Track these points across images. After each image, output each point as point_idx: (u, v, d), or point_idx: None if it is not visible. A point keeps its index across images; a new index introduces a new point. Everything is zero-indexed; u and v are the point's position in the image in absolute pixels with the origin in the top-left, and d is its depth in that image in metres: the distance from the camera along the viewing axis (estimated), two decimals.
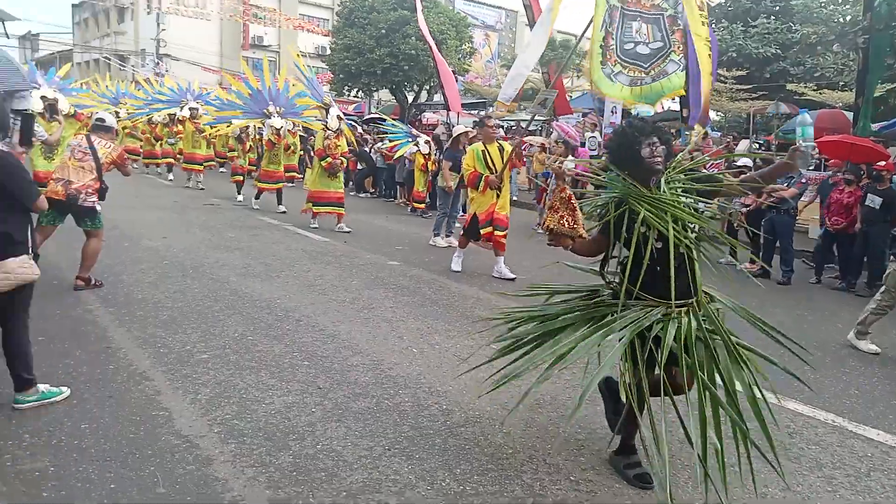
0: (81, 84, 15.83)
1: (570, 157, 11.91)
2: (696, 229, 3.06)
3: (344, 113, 14.69)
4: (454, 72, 25.99)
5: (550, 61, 21.25)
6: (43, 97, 8.66)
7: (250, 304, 5.61)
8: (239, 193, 12.84)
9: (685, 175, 3.11)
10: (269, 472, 2.97)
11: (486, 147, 7.28)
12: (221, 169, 18.49)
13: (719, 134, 21.24)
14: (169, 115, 15.82)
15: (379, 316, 5.55)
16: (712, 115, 24.87)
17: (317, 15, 41.95)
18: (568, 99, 23.66)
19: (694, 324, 2.90)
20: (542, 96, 7.20)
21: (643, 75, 8.14)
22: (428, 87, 27.19)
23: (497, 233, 7.23)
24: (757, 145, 16.18)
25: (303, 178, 13.99)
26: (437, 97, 25.70)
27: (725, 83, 19.21)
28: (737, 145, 15.60)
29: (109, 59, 38.99)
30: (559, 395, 4.13)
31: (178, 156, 15.82)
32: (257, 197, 11.65)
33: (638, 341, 2.89)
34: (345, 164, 10.53)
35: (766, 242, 8.70)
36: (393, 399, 3.87)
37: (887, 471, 3.39)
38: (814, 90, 18.52)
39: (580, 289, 3.42)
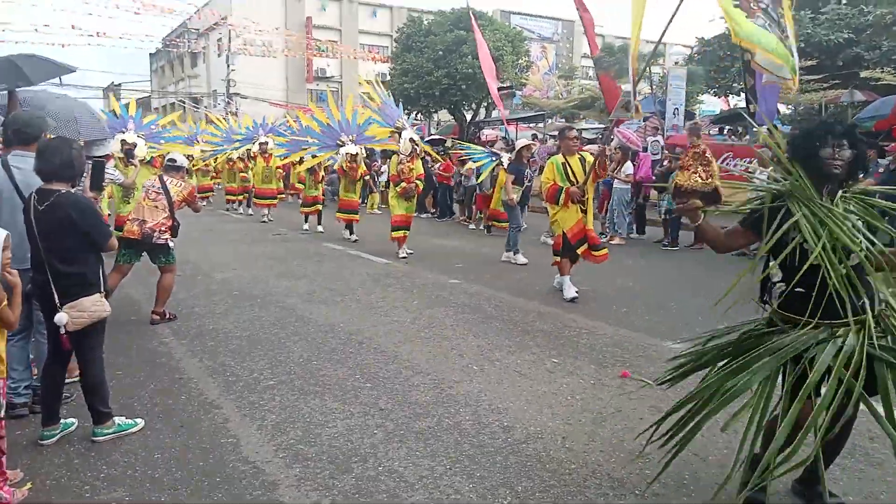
0: (165, 125, 16.76)
1: (629, 163, 11.71)
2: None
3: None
4: (510, 86, 26.09)
5: (610, 67, 20.94)
6: (122, 141, 9.23)
7: (315, 329, 5.76)
8: (306, 222, 13.05)
9: (862, 200, 2.72)
10: (332, 495, 3.03)
11: (566, 159, 6.92)
12: (292, 200, 19.03)
13: (788, 129, 20.40)
14: (245, 150, 16.26)
15: (440, 335, 5.59)
16: (781, 108, 23.94)
17: (377, 43, 43.02)
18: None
19: (861, 342, 2.51)
20: (624, 99, 7.11)
21: (779, 31, 7.42)
22: (486, 105, 27.34)
23: (594, 252, 6.90)
24: None
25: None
26: (496, 113, 25.77)
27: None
28: None
29: (184, 102, 41.15)
30: (623, 406, 4.03)
31: (251, 189, 16.19)
32: (348, 229, 11.53)
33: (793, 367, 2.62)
34: (421, 188, 10.21)
35: None
36: (454, 418, 3.87)
37: None
38: (892, 74, 17.52)
39: (738, 328, 3.07)
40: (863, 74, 18.42)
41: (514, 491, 3.05)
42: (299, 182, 14.60)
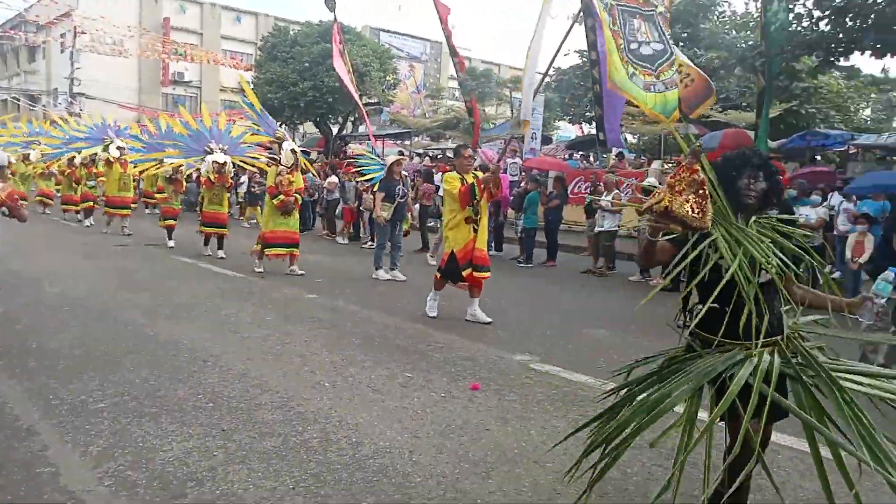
0: None
1: None
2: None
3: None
4: (377, 102, 26.23)
5: (473, 90, 21.65)
6: None
7: (156, 346, 5.39)
8: (170, 239, 11.69)
9: (771, 226, 2.83)
10: None
11: (463, 177, 6.68)
12: (148, 211, 17.59)
13: (633, 156, 22.12)
14: (89, 155, 14.60)
15: (293, 351, 5.44)
16: (628, 137, 25.92)
17: (240, 50, 41.55)
18: (488, 127, 24.20)
19: (777, 360, 2.65)
20: (517, 118, 7.18)
21: (654, 80, 8.14)
22: (353, 119, 27.27)
23: (476, 273, 6.65)
24: (668, 166, 16.84)
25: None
26: (362, 128, 25.76)
27: (638, 107, 20.02)
28: (649, 166, 16.26)
29: (19, 100, 37.40)
30: (471, 418, 4.13)
31: (98, 199, 14.60)
32: (206, 243, 10.74)
33: (712, 389, 2.70)
34: (299, 202, 9.72)
35: None
36: (301, 436, 3.77)
37: (777, 467, 3.53)
38: (719, 111, 19.53)
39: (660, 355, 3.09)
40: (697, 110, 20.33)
41: None
42: (158, 192, 13.39)
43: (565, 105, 25.93)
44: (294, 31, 26.62)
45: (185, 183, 12.51)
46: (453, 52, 15.07)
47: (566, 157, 22.37)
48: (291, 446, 3.63)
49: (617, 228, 10.48)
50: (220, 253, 10.45)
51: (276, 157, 10.12)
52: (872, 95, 28.24)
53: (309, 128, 30.98)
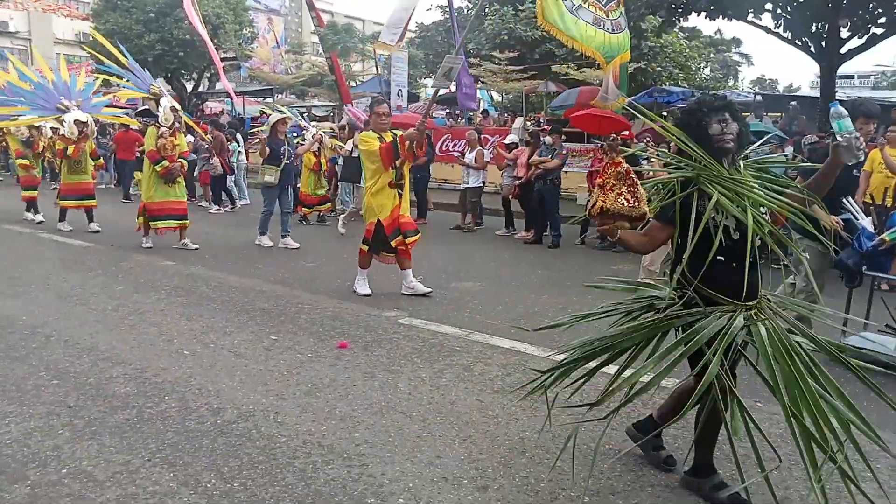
0: None
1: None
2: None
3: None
4: (234, 58, 24.85)
5: (334, 46, 21.05)
6: None
7: None
8: (34, 212, 10.15)
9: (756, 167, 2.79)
10: None
11: (380, 135, 5.96)
12: None
13: (497, 113, 22.62)
14: None
15: (146, 321, 5.15)
16: (494, 94, 26.43)
17: None
18: (354, 85, 23.75)
19: (780, 327, 2.60)
20: (446, 65, 5.90)
21: (603, 16, 7.23)
22: (209, 75, 25.71)
23: (409, 239, 6.14)
24: (530, 123, 17.41)
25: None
26: (220, 85, 24.37)
27: (500, 64, 20.41)
28: (513, 123, 16.69)
29: None
30: (338, 376, 4.13)
31: None
32: (62, 218, 9.46)
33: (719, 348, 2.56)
34: (185, 167, 8.67)
35: (536, 211, 9.46)
36: (157, 407, 3.61)
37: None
38: (575, 69, 20.35)
39: (623, 307, 3.00)
40: (554, 68, 21.06)
41: (219, 472, 2.95)
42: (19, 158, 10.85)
43: (430, 62, 25.93)
44: None
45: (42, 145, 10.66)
46: (311, 6, 14.57)
47: (433, 115, 22.43)
48: (147, 418, 3.47)
49: (482, 185, 10.72)
50: (94, 226, 9.26)
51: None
52: (711, 55, 30.61)
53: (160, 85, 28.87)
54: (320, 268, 7.45)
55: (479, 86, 21.96)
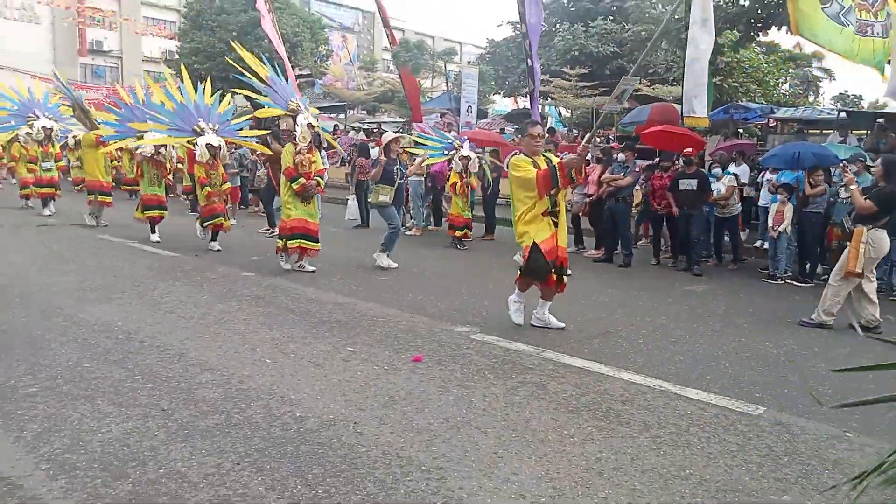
0: None
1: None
2: None
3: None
4: (309, 74, 25.66)
5: (406, 63, 21.48)
6: None
7: (86, 328, 5.23)
8: (153, 232, 9.81)
9: None
10: None
11: (534, 160, 5.58)
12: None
13: (566, 129, 22.49)
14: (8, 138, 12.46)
15: (231, 329, 5.38)
16: (562, 110, 26.32)
17: (162, 17, 39.71)
18: (424, 101, 24.12)
19: None
20: (620, 87, 5.75)
21: (872, 20, 6.38)
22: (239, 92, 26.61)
23: (565, 277, 5.71)
24: (600, 139, 17.24)
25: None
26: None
27: (570, 80, 20.34)
28: (582, 139, 16.55)
29: None
30: (413, 388, 4.21)
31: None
32: (214, 238, 9.20)
33: None
34: (322, 186, 8.38)
35: (608, 229, 9.36)
36: (244, 413, 3.77)
37: (703, 424, 3.78)
38: (647, 86, 20.07)
39: None
40: None
41: (304, 479, 3.06)
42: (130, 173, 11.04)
43: (500, 77, 26.07)
44: None
45: (168, 164, 10.51)
46: (385, 24, 14.93)
47: (500, 130, 22.54)
48: (235, 423, 3.63)
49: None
50: (215, 245, 9.14)
51: (280, 134, 8.98)
52: (791, 70, 29.57)
53: (240, 101, 30.04)
54: (394, 282, 7.59)
55: (548, 102, 21.91)
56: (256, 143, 10.33)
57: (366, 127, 24.46)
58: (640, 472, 3.20)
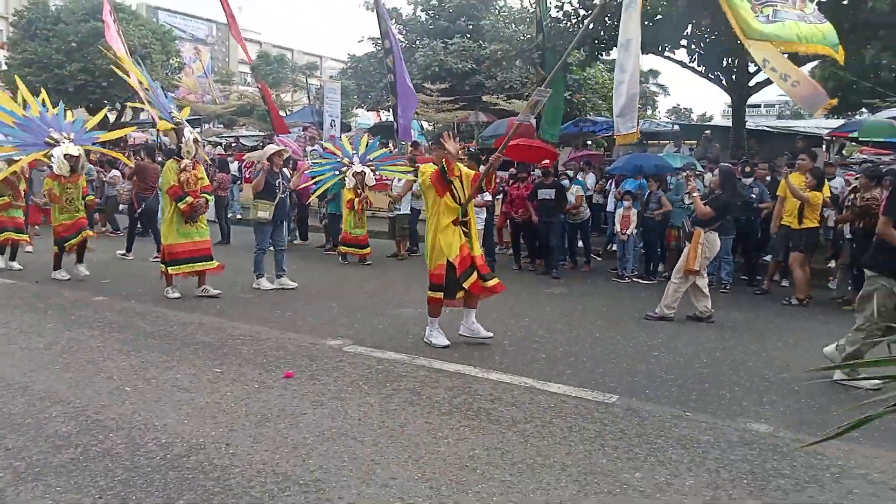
0: None
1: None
2: None
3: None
4: (162, 87, 24.38)
5: (266, 77, 21.02)
6: None
7: None
8: (11, 259, 9.08)
9: None
10: None
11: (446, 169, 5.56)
12: None
13: (428, 143, 22.98)
14: None
15: (82, 358, 5.02)
16: (423, 124, 26.86)
17: None
18: (285, 115, 23.71)
19: None
20: (534, 98, 5.76)
21: (801, 12, 6.57)
22: (133, 106, 25.05)
23: (488, 283, 5.65)
24: (462, 152, 17.82)
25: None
26: (144, 115, 23.79)
27: (431, 95, 20.86)
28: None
29: None
30: (286, 405, 4.16)
31: None
32: (57, 266, 8.35)
33: None
34: (208, 204, 7.80)
35: None
36: (102, 444, 3.55)
37: (564, 415, 4.06)
38: (504, 100, 21.02)
39: None
40: (485, 98, 21.70)
41: None
42: None
43: (362, 92, 26.18)
44: (55, 7, 23.72)
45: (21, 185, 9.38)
46: (237, 38, 14.57)
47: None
48: (93, 456, 3.41)
49: (412, 212, 10.87)
50: (82, 268, 8.38)
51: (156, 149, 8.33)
52: None
53: (81, 115, 27.90)
54: (260, 299, 7.41)
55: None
56: (116, 151, 9.64)
57: (223, 141, 23.60)
58: (510, 465, 3.39)
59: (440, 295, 5.59)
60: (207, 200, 7.68)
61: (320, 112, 20.35)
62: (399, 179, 10.86)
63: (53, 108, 8.27)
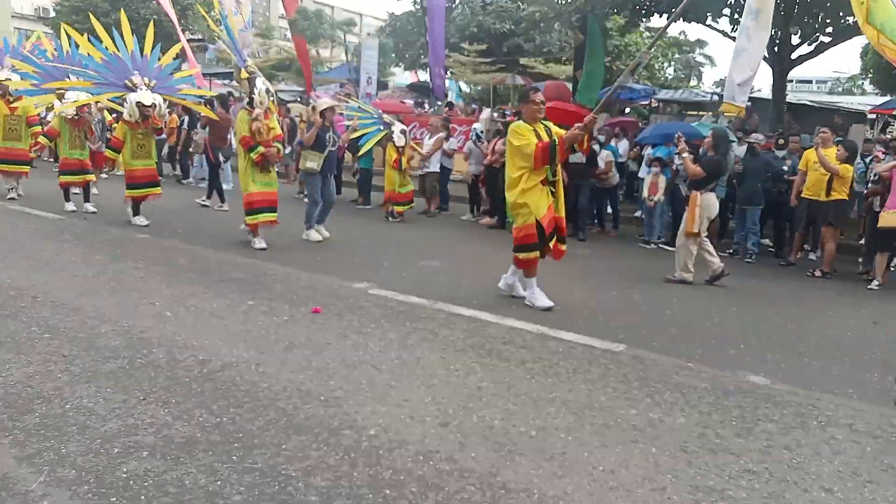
0: None
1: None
2: None
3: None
4: (202, 39, 24.70)
5: (303, 32, 21.13)
6: None
7: None
8: (68, 200, 9.12)
9: None
10: (13, 435, 2.93)
11: (534, 128, 5.49)
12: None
13: (465, 103, 22.96)
14: None
15: (128, 286, 5.42)
16: (462, 85, 26.78)
17: None
18: (323, 70, 23.82)
19: None
20: (636, 61, 5.77)
21: None
22: (175, 57, 25.48)
23: (561, 246, 5.71)
24: (496, 114, 17.83)
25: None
26: (185, 66, 24.16)
27: (468, 56, 20.78)
28: (481, 113, 17.07)
29: None
30: (313, 336, 4.49)
31: None
32: (135, 212, 8.37)
33: None
34: (281, 154, 7.91)
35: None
36: (146, 357, 3.92)
37: (571, 359, 4.31)
38: (542, 64, 20.86)
39: None
40: (522, 61, 21.52)
41: (209, 409, 3.29)
42: (44, 136, 9.50)
43: (400, 50, 26.16)
44: None
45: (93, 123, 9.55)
46: None
47: (401, 101, 22.72)
48: (138, 366, 3.78)
49: (441, 170, 11.06)
50: (89, 206, 8.64)
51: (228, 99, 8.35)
52: (677, 56, 31.46)
53: None
54: (293, 244, 7.75)
55: (447, 76, 22.26)
56: (198, 103, 9.66)
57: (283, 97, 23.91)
58: (515, 396, 3.66)
59: (535, 254, 5.58)
60: (279, 150, 7.65)
61: (357, 69, 20.50)
62: (430, 136, 11.04)
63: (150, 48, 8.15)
